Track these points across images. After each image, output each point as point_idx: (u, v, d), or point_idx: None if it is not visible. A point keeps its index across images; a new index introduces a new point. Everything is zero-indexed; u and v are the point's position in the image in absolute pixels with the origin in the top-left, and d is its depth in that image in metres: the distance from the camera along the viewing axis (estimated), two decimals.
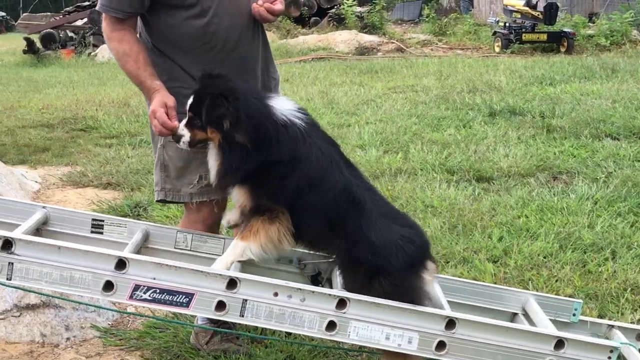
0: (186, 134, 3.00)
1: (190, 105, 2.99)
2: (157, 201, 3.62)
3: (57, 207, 3.29)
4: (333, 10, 22.64)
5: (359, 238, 2.90)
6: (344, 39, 19.61)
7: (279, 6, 3.32)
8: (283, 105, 2.99)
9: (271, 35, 19.77)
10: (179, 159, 3.40)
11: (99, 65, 19.68)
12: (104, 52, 21.41)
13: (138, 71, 3.23)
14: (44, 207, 3.25)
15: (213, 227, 3.56)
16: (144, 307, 3.44)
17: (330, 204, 2.93)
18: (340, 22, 22.00)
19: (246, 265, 2.99)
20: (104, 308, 4.05)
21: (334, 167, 2.96)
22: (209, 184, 3.27)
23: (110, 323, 3.96)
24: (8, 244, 2.66)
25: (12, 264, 2.68)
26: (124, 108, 10.99)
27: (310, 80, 13.15)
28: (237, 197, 3.00)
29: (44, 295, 3.76)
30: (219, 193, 3.35)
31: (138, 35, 3.39)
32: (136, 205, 5.85)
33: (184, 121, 3.02)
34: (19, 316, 3.94)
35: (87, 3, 30.07)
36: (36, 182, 6.88)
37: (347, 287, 2.94)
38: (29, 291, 3.52)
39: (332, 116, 9.42)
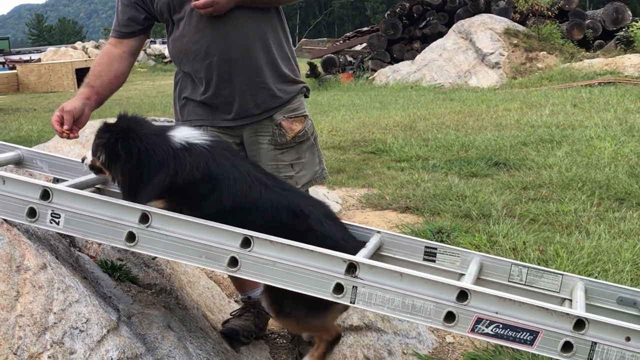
0: (89, 158, 2.98)
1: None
2: None
3: (390, 232, 3.29)
4: (621, 32, 21.50)
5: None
6: (633, 63, 18.46)
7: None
8: (182, 132, 2.88)
9: (553, 59, 19.15)
10: None
11: (377, 88, 20.26)
12: (381, 76, 22.06)
13: (86, 79, 3.47)
14: (378, 232, 3.27)
15: None
16: (483, 340, 3.36)
17: (269, 222, 2.74)
18: (628, 44, 20.80)
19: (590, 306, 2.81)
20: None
21: (258, 185, 2.80)
22: None
23: (430, 350, 3.91)
24: (352, 268, 2.70)
25: (356, 287, 2.70)
26: (410, 132, 11.13)
27: (602, 105, 12.48)
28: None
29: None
30: None
31: None
32: (439, 230, 5.76)
33: None
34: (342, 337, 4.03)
35: (366, 28, 31.32)
36: (337, 202, 7.06)
37: None
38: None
39: (635, 144, 8.78)
